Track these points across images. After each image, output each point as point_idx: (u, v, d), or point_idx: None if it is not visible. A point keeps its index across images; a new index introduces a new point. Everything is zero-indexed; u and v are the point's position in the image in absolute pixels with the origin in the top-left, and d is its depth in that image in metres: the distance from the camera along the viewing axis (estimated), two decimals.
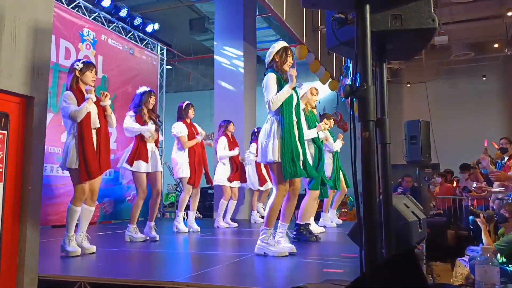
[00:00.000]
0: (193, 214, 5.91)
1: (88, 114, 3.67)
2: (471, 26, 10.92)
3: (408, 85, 14.08)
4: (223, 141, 6.54)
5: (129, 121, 4.72)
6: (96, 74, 3.86)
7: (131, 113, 4.77)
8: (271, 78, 3.64)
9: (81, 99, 3.69)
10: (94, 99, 3.76)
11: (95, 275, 2.96)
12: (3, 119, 2.23)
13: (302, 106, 4.31)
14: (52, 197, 6.26)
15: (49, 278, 2.83)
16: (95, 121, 3.75)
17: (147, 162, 4.68)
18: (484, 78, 13.09)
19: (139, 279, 2.83)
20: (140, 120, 4.72)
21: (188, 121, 5.72)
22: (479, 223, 4.35)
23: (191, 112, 5.73)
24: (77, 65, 3.77)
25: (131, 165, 4.65)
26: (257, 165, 7.09)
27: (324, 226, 6.06)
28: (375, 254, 1.48)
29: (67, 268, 3.35)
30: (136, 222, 4.79)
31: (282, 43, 3.83)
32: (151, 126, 4.75)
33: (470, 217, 6.34)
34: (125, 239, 4.75)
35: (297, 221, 4.74)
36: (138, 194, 4.73)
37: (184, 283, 2.63)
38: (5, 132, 2.24)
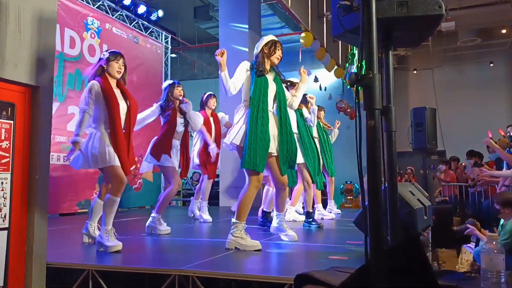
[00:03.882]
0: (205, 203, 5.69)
1: (118, 109, 3.46)
2: (478, 11, 10.79)
3: (415, 71, 13.98)
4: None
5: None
6: (124, 65, 3.60)
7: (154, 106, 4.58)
8: (242, 65, 3.64)
9: (108, 90, 3.45)
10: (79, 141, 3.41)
11: (102, 263, 2.99)
12: (9, 109, 2.24)
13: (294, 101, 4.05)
14: (59, 186, 6.31)
15: (57, 266, 2.87)
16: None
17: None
18: (491, 65, 12.97)
19: (146, 267, 2.87)
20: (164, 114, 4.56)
21: (209, 112, 5.62)
22: (470, 232, 4.15)
23: (211, 103, 5.63)
24: (103, 55, 3.60)
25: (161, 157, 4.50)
26: None
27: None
28: (380, 242, 1.49)
29: (75, 256, 3.39)
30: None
31: (271, 36, 3.81)
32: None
33: (484, 203, 6.25)
34: (147, 231, 4.49)
35: (264, 209, 4.82)
36: (174, 185, 4.46)
37: (191, 271, 2.65)
38: (12, 121, 2.25)
